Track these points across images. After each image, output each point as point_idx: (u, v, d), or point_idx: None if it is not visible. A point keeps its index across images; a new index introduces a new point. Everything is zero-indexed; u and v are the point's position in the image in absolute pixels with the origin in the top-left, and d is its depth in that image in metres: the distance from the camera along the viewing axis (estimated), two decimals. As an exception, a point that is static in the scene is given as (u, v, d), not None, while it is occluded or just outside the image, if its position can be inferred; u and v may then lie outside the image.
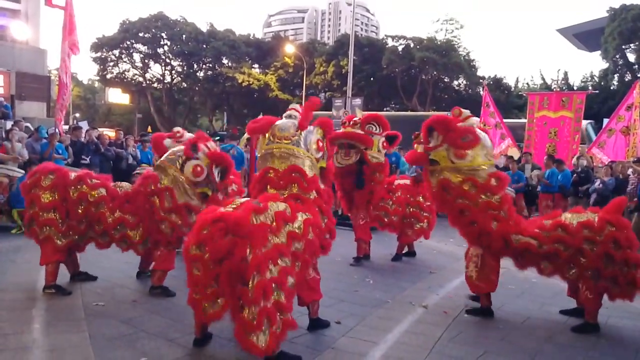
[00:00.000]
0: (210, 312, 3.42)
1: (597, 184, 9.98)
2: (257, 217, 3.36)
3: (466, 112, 4.82)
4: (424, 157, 4.72)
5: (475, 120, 4.88)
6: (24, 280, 5.25)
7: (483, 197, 4.55)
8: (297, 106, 4.34)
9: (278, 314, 3.31)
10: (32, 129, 12.20)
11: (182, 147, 4.94)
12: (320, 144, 4.11)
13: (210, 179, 4.85)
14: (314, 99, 4.37)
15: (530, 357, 3.88)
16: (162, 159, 4.99)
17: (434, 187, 4.76)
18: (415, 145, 5.00)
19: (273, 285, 3.30)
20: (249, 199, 3.76)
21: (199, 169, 4.75)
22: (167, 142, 5.50)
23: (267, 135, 4.03)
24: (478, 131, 4.69)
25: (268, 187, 3.91)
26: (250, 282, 3.21)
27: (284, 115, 4.23)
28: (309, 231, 3.71)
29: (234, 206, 3.47)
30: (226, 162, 4.94)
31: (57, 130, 10.76)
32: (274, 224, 3.45)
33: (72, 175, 4.94)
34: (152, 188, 4.76)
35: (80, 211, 4.81)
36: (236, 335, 3.30)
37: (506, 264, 6.96)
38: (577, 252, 4.41)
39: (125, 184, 5.15)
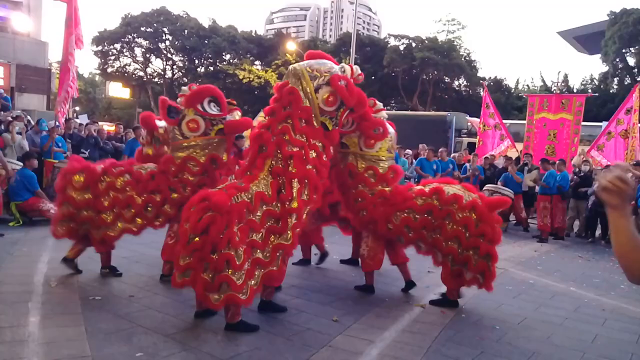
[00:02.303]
0: (179, 281, 3.87)
1: (595, 186, 9.98)
2: (238, 196, 3.84)
3: (379, 104, 5.14)
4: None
5: (384, 114, 5.19)
6: (21, 273, 5.24)
7: (379, 186, 4.93)
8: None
9: (236, 279, 3.76)
10: (31, 121, 12.17)
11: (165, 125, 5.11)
12: (331, 98, 4.26)
13: (207, 117, 4.73)
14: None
15: (526, 358, 3.88)
16: (171, 142, 5.09)
17: (342, 169, 5.07)
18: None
19: (240, 256, 3.77)
20: (235, 181, 4.16)
21: (191, 124, 4.72)
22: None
23: None
24: (387, 125, 5.04)
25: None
26: (218, 252, 3.70)
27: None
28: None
29: (220, 187, 3.98)
30: (206, 92, 4.81)
31: (57, 123, 10.73)
32: (253, 202, 3.91)
33: (99, 168, 5.06)
34: (174, 169, 4.87)
35: (108, 201, 4.91)
36: (197, 290, 3.82)
37: (504, 265, 6.98)
38: (441, 227, 4.75)
39: (150, 165, 5.17)
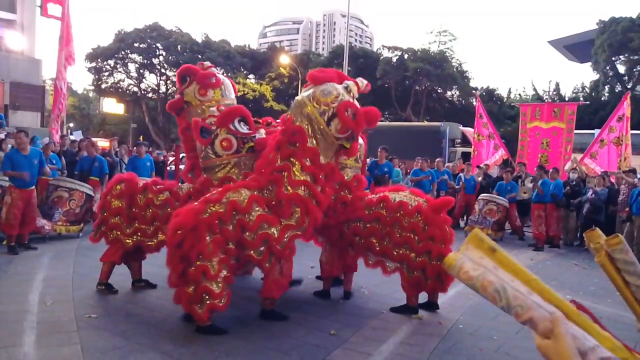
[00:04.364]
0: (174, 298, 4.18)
1: (590, 194, 10.04)
2: (209, 209, 4.09)
3: None
4: None
5: None
6: (16, 291, 5.20)
7: (342, 193, 5.04)
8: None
9: (215, 288, 4.01)
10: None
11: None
12: (343, 128, 4.38)
13: (238, 135, 4.87)
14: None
15: (524, 368, 3.87)
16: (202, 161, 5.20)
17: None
18: None
19: (214, 266, 4.01)
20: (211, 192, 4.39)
21: (224, 143, 4.86)
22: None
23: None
24: None
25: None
26: (194, 264, 3.96)
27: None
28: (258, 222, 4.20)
29: (198, 201, 4.22)
30: (237, 112, 4.95)
31: (51, 140, 10.72)
32: (226, 212, 4.10)
33: (140, 183, 5.27)
34: (211, 189, 4.92)
35: (148, 215, 5.11)
36: (183, 304, 4.09)
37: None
38: (389, 234, 4.82)
39: (185, 185, 5.37)
